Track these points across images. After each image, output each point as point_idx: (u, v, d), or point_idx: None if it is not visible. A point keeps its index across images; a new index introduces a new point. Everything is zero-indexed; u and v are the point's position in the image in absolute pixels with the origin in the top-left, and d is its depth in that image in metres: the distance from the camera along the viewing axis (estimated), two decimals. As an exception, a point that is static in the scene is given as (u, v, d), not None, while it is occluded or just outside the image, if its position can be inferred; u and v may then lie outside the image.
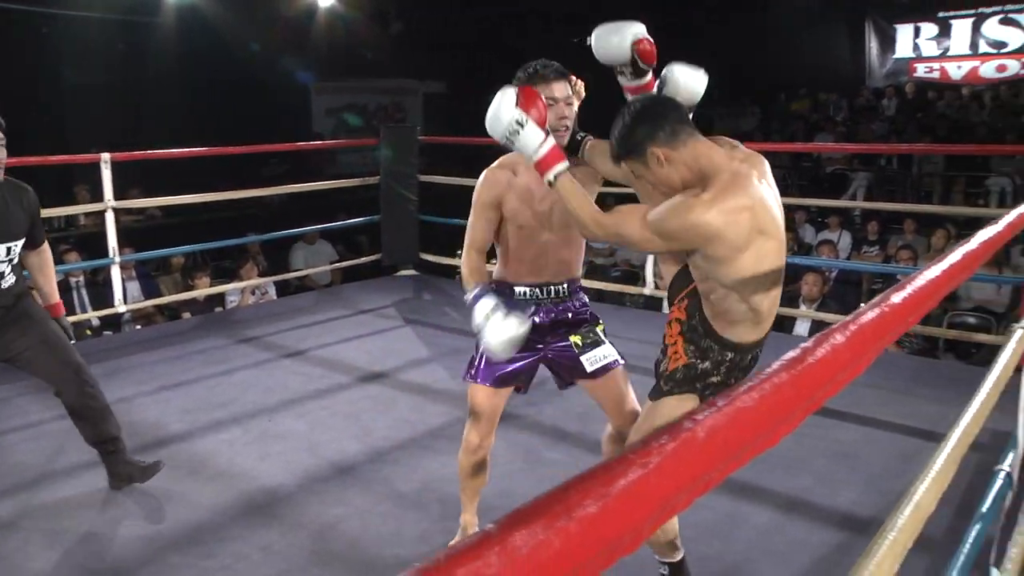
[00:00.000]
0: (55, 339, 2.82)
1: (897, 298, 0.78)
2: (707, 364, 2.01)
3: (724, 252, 1.77)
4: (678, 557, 2.29)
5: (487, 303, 2.12)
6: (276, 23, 11.63)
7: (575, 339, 2.40)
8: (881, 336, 0.75)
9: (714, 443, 0.51)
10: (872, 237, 8.38)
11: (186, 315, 5.93)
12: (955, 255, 1.00)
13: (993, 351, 4.20)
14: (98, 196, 4.86)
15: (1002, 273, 6.29)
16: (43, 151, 5.28)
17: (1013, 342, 1.65)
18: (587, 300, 2.51)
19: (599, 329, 2.46)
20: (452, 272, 6.67)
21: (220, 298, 6.38)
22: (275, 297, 6.47)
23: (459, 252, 7.21)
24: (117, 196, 4.89)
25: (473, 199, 2.35)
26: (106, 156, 4.68)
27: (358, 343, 4.76)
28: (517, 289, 2.39)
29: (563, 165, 1.98)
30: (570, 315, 2.43)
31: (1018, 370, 1.94)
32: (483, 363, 2.37)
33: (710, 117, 14.33)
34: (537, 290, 2.40)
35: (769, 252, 1.82)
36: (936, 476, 1.16)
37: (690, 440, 0.49)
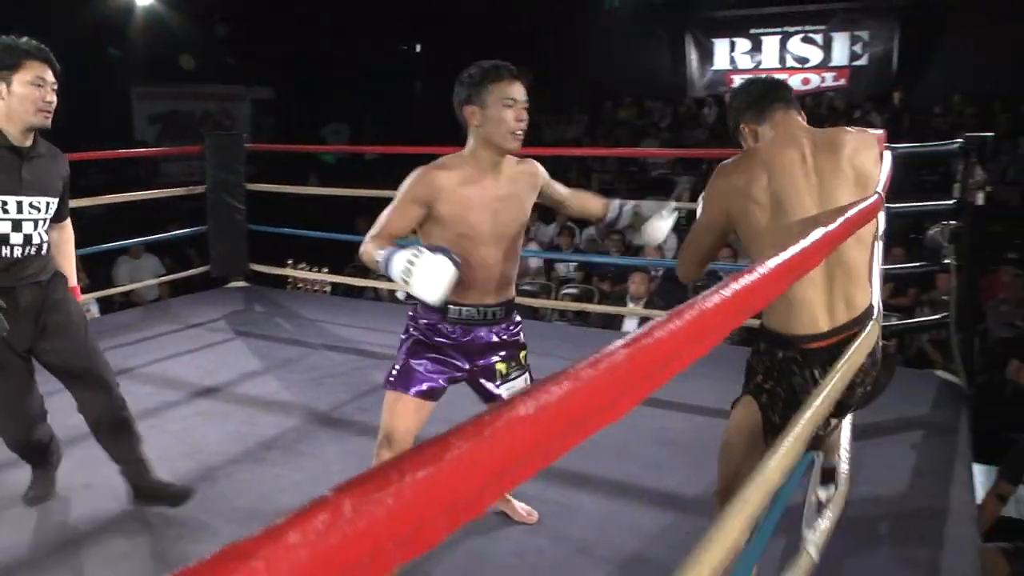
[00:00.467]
0: (94, 347, 2.73)
1: (738, 285, 0.88)
2: (755, 360, 2.11)
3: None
4: None
5: (403, 254, 1.93)
6: (93, 23, 10.99)
7: (500, 367, 2.32)
8: (725, 317, 0.84)
9: (547, 416, 0.56)
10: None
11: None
12: (795, 247, 1.13)
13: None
14: None
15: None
16: None
17: (863, 335, 1.86)
18: (519, 320, 2.40)
19: (523, 355, 2.38)
20: (283, 283, 6.56)
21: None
22: (98, 315, 6.13)
23: (289, 261, 7.03)
24: None
25: (400, 191, 2.18)
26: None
27: (188, 358, 4.60)
28: (451, 308, 2.20)
29: None
30: (505, 337, 2.32)
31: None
32: (406, 372, 2.22)
33: (538, 124, 14.76)
34: (473, 310, 2.24)
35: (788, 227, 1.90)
36: (785, 452, 1.27)
37: (522, 413, 0.54)
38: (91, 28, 11.00)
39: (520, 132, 2.14)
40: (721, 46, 15.17)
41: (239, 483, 3.07)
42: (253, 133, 13.12)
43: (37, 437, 2.76)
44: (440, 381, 2.25)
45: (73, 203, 5.79)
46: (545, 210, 9.70)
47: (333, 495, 0.44)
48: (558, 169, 14.23)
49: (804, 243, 1.19)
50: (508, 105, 2.10)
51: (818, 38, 14.35)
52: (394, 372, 2.25)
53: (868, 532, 2.76)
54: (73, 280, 2.82)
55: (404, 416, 2.21)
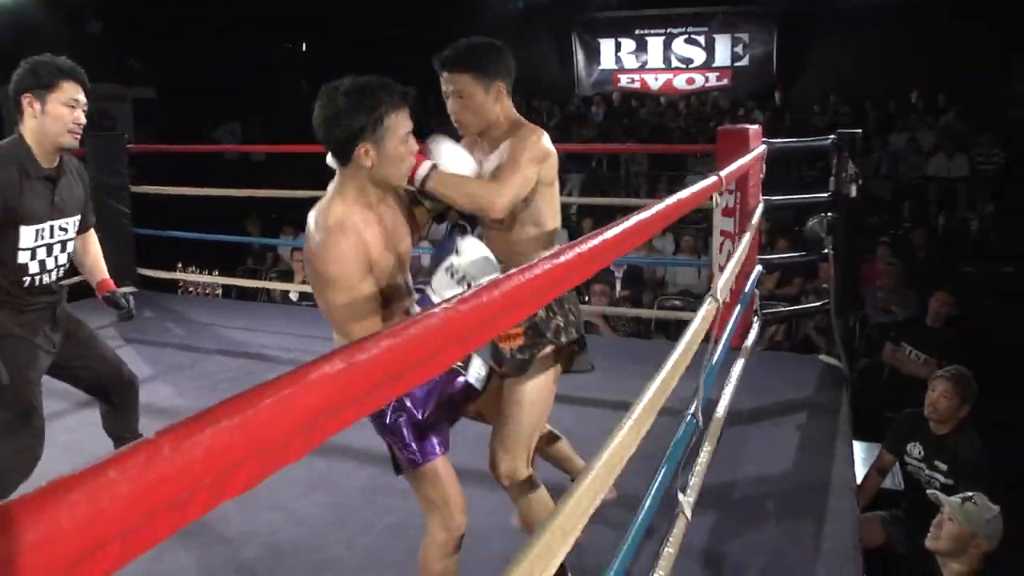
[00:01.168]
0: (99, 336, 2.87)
1: (549, 264, 0.92)
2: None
3: None
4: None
5: (439, 280, 1.75)
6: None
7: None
8: (535, 291, 0.88)
9: (358, 371, 0.59)
10: (588, 232, 9.08)
11: None
12: (616, 227, 1.18)
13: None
14: None
15: (701, 259, 7.12)
16: None
17: (702, 311, 1.93)
18: None
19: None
20: (173, 287, 6.36)
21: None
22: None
23: (179, 265, 6.77)
24: None
25: (345, 278, 1.74)
26: None
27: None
28: None
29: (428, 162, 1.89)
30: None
31: (706, 339, 2.25)
32: (420, 440, 1.95)
33: (428, 124, 14.76)
34: None
35: None
36: (624, 436, 1.33)
37: (336, 367, 0.57)
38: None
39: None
40: (607, 46, 15.47)
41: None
42: (136, 134, 12.62)
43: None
44: (446, 428, 2.08)
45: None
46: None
47: (154, 437, 0.47)
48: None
49: (623, 226, 1.24)
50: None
51: (701, 39, 14.80)
52: (411, 451, 1.96)
53: (754, 509, 2.90)
54: (105, 274, 2.95)
55: (449, 475, 2.00)
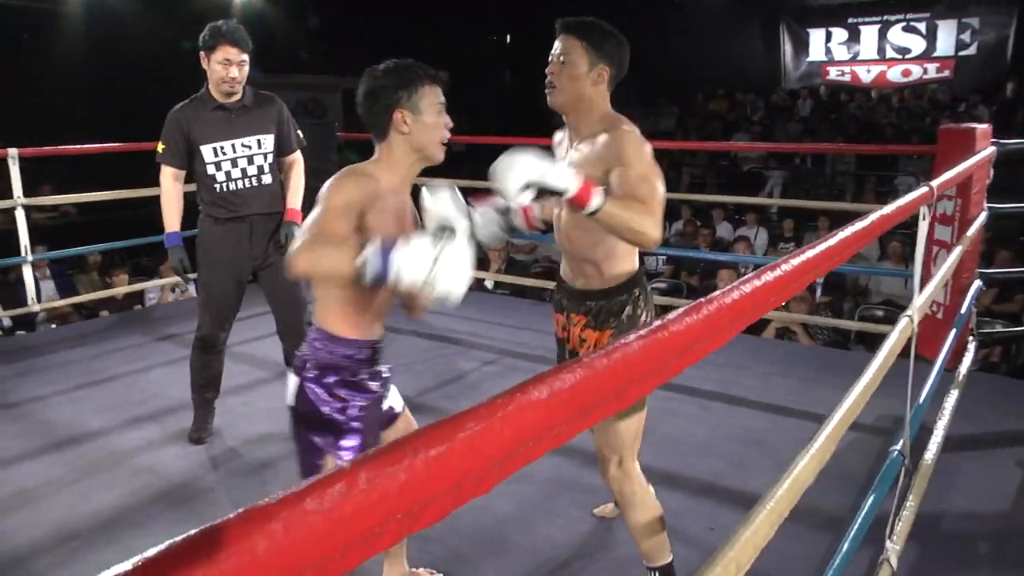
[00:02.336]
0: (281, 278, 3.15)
1: (757, 282, 0.86)
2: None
3: None
4: (668, 559, 2.19)
5: (413, 248, 1.55)
6: (191, 17, 11.38)
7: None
8: (739, 315, 0.83)
9: (557, 401, 0.57)
10: (788, 234, 8.69)
11: (104, 313, 5.79)
12: (814, 249, 1.10)
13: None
14: (7, 195, 4.72)
15: (908, 268, 6.61)
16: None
17: (898, 329, 1.78)
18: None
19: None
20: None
21: (139, 296, 6.25)
22: (195, 294, 6.36)
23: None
24: (27, 194, 4.75)
25: (331, 200, 1.74)
26: (13, 152, 4.55)
27: (277, 339, 4.72)
28: (362, 349, 1.89)
29: (600, 189, 1.78)
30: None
31: (906, 355, 2.08)
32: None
33: (629, 116, 14.61)
34: (379, 346, 1.96)
35: None
36: (816, 452, 1.26)
37: (534, 398, 0.55)
38: (191, 22, 11.40)
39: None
40: (816, 36, 14.70)
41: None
42: (345, 123, 13.38)
43: (220, 345, 3.34)
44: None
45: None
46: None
47: (351, 466, 0.47)
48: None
49: (819, 248, 1.14)
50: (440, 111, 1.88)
51: (921, 26, 13.70)
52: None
53: (963, 550, 2.64)
54: (297, 204, 3.30)
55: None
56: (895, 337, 1.74)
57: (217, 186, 3.15)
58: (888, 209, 1.53)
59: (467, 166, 4.53)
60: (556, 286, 2.24)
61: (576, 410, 0.58)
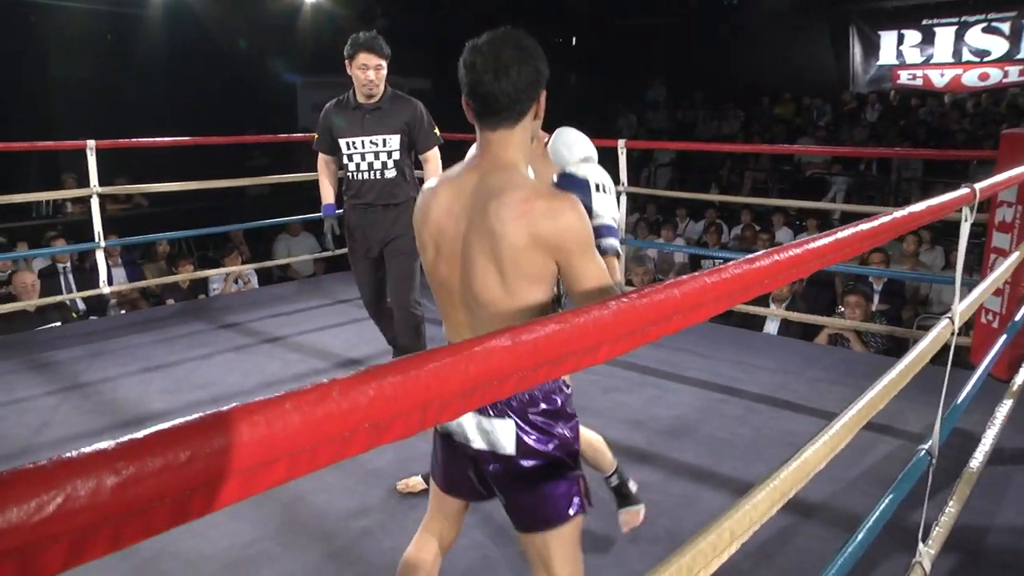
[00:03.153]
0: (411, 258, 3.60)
1: (747, 266, 0.90)
2: None
3: None
4: (615, 466, 2.50)
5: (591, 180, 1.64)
6: (263, 18, 11.71)
7: None
8: (723, 294, 0.87)
9: (523, 348, 0.64)
10: (848, 240, 8.55)
11: (170, 301, 6.02)
12: (823, 239, 1.12)
13: (957, 352, 4.35)
14: (84, 184, 4.95)
15: (974, 277, 6.45)
16: (30, 139, 5.38)
17: (936, 329, 1.79)
18: None
19: None
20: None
21: (203, 286, 6.48)
22: (257, 286, 6.58)
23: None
24: (103, 184, 4.97)
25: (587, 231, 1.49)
26: (91, 143, 4.77)
27: (335, 331, 4.87)
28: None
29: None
30: None
31: (945, 363, 2.07)
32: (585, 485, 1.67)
33: (694, 119, 14.49)
34: None
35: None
36: (828, 440, 1.29)
37: (502, 343, 0.62)
38: (264, 23, 11.73)
39: None
40: (888, 39, 14.30)
41: (373, 449, 3.25)
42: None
43: (378, 310, 3.91)
44: None
45: (240, 182, 6.23)
46: (694, 207, 9.60)
47: (328, 381, 0.57)
48: (711, 164, 13.87)
49: (832, 237, 1.16)
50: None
51: (1004, 27, 13.07)
52: (580, 491, 1.65)
53: (1008, 562, 2.60)
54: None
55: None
56: (932, 336, 1.74)
57: (349, 175, 3.68)
58: (919, 207, 1.54)
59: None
60: None
61: (544, 359, 0.64)
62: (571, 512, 1.60)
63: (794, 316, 5.24)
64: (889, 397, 1.55)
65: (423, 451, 3.07)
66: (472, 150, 1.59)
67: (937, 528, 2.24)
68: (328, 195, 3.89)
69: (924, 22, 13.86)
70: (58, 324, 2.99)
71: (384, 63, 3.55)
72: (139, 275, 6.72)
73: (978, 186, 1.91)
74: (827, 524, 2.74)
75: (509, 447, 1.57)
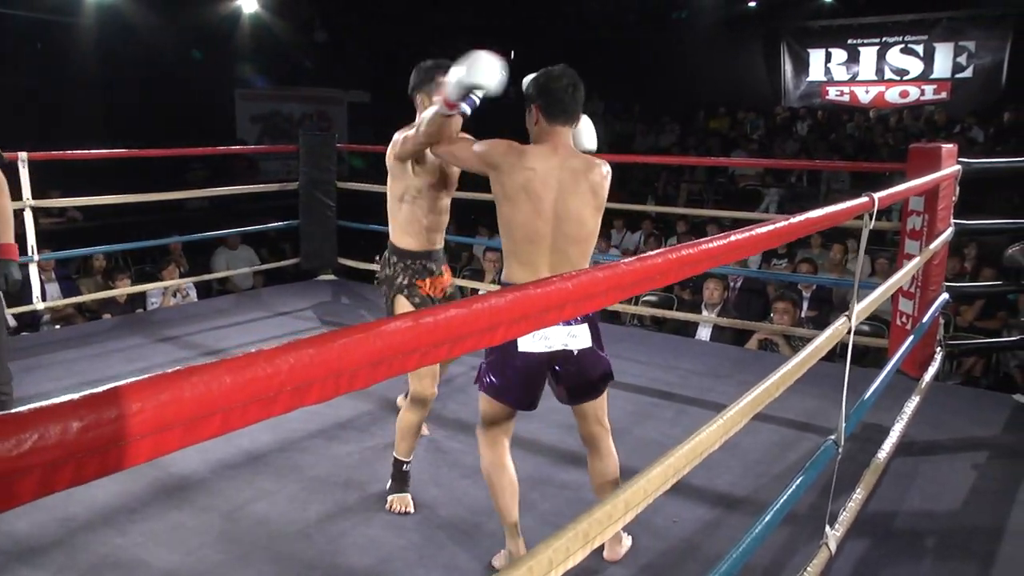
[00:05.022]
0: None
1: (637, 264, 1.00)
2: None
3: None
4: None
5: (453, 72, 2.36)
6: (200, 28, 11.61)
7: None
8: (614, 286, 0.97)
9: (425, 328, 0.75)
10: (781, 251, 8.83)
11: (107, 316, 5.95)
12: (718, 240, 1.24)
13: (881, 353, 4.50)
14: (17, 197, 4.87)
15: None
16: (-41, 150, 5.28)
17: (832, 327, 1.92)
18: None
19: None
20: (370, 277, 6.84)
21: (142, 300, 6.42)
22: (195, 299, 6.53)
23: (377, 257, 7.28)
24: (36, 198, 4.91)
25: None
26: (23, 155, 4.71)
27: (275, 343, 4.82)
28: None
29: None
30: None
31: (843, 359, 2.22)
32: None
33: (632, 133, 14.78)
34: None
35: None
36: (723, 423, 1.41)
37: (402, 323, 0.73)
38: (201, 32, 11.62)
39: None
40: (816, 56, 14.87)
41: (313, 456, 3.30)
42: (350, 135, 13.59)
43: None
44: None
45: (178, 195, 6.19)
46: (631, 218, 9.80)
47: (256, 351, 0.69)
48: (648, 176, 14.10)
49: (721, 241, 1.29)
50: None
51: (919, 48, 13.87)
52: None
53: (911, 544, 2.76)
54: (8, 237, 2.78)
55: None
56: (828, 333, 1.88)
57: None
58: (816, 213, 1.67)
59: (470, 177, 4.69)
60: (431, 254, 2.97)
61: (445, 337, 0.74)
62: (609, 382, 2.47)
63: (724, 321, 5.42)
64: (783, 387, 1.67)
65: (359, 460, 3.13)
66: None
67: (844, 513, 2.39)
68: None
69: (849, 41, 14.47)
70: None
71: None
72: (74, 290, 6.62)
73: (877, 195, 2.06)
74: (750, 515, 2.87)
75: (586, 341, 2.33)
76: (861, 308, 2.08)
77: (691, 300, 7.07)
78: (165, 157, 6.54)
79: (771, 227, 1.40)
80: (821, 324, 6.57)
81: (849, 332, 1.98)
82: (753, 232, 1.34)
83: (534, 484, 3.06)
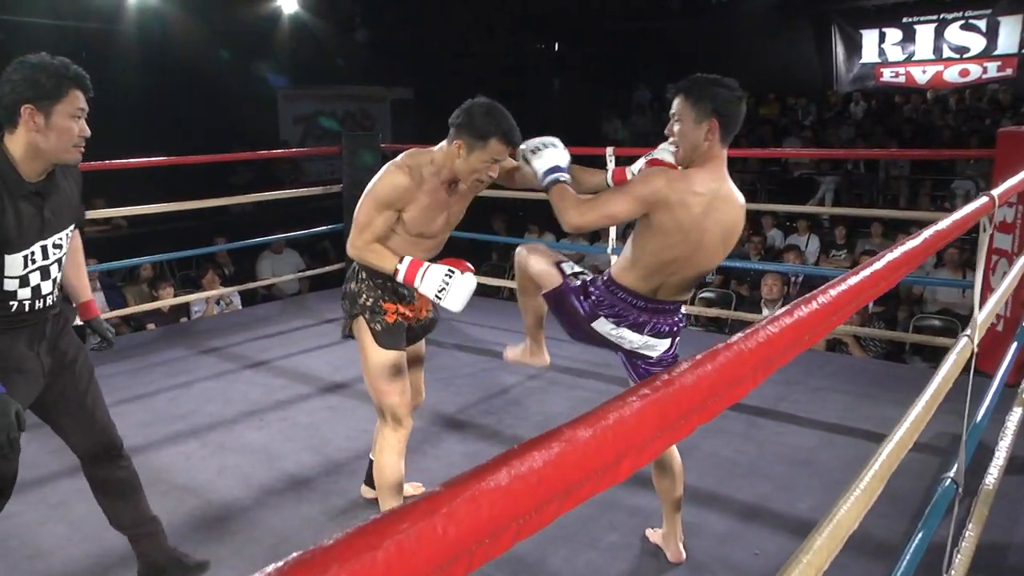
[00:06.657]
0: (96, 391, 2.36)
1: (787, 320, 0.78)
2: None
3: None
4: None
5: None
6: (241, 29, 11.54)
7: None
8: (764, 361, 0.75)
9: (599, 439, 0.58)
10: (840, 241, 8.45)
11: (151, 326, 5.86)
12: (877, 263, 1.00)
13: (939, 351, 4.18)
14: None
15: (966, 277, 6.37)
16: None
17: (956, 351, 1.66)
18: None
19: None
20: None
21: (185, 308, 6.31)
22: (240, 307, 6.42)
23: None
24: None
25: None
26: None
27: (320, 353, 4.72)
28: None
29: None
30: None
31: (966, 372, 1.95)
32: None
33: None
34: None
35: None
36: (865, 487, 1.16)
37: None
38: (241, 35, 11.55)
39: None
40: (869, 37, 14.31)
41: (360, 479, 3.10)
42: (393, 133, 13.44)
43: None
44: None
45: (220, 201, 6.07)
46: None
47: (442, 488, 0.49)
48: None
49: (869, 270, 1.06)
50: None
51: (981, 24, 13.16)
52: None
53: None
54: (88, 294, 2.51)
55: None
56: (952, 359, 1.62)
57: (14, 304, 2.09)
58: (943, 224, 1.41)
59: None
60: None
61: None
62: None
63: (790, 323, 5.12)
64: (925, 421, 1.42)
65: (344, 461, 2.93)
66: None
67: (959, 555, 2.12)
68: None
69: (904, 20, 13.88)
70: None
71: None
72: (119, 299, 6.55)
73: (995, 192, 1.79)
74: (846, 550, 2.61)
75: (663, 347, 2.42)
76: (983, 319, 1.81)
77: (750, 296, 6.78)
78: (209, 163, 6.42)
79: (905, 248, 1.17)
80: (889, 320, 6.24)
81: (972, 356, 1.71)
82: (887, 259, 1.10)
83: (603, 510, 2.83)
